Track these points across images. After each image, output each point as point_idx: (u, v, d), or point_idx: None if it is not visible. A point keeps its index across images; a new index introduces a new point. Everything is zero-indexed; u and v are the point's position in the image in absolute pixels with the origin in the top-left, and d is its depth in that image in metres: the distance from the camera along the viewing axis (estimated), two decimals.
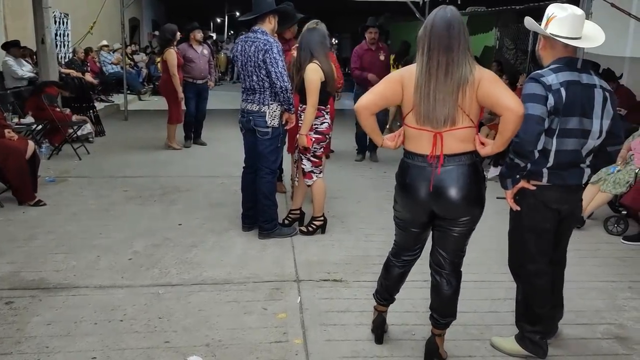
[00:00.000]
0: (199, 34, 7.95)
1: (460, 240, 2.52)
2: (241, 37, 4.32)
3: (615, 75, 6.39)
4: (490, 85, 2.27)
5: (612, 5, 5.35)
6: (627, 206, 4.56)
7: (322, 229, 4.47)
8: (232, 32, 36.33)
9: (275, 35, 4.33)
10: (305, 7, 5.70)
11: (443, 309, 2.59)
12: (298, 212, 4.62)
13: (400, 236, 2.71)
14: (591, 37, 2.52)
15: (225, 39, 28.45)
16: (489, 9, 10.91)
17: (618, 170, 4.67)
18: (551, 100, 2.39)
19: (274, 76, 3.98)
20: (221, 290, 3.42)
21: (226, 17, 35.41)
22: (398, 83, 2.41)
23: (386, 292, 2.78)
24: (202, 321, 3.03)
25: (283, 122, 4.23)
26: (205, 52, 7.98)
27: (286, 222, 4.57)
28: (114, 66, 13.31)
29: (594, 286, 3.59)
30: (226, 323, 3.02)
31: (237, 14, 34.58)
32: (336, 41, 26.53)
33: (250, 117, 4.17)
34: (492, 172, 6.01)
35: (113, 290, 3.39)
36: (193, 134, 8.07)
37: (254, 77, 4.09)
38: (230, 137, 8.63)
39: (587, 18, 5.50)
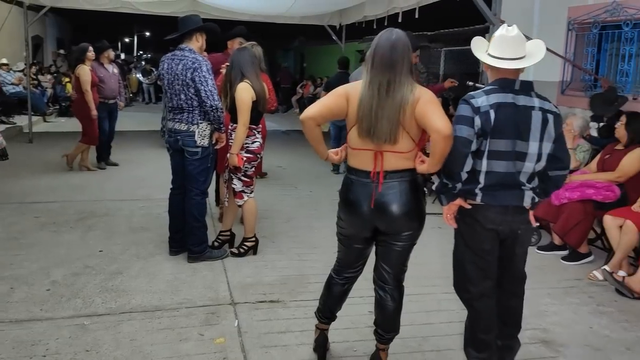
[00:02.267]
0: (111, 53, 7.74)
1: (402, 254, 2.57)
2: (167, 55, 4.20)
3: None
4: (424, 106, 2.34)
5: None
6: (540, 218, 4.88)
7: (254, 249, 4.39)
8: (141, 52, 35.35)
9: (205, 53, 4.25)
10: (223, 30, 5.71)
11: (387, 324, 2.62)
12: (228, 233, 4.51)
13: (343, 253, 2.71)
14: (531, 55, 2.50)
15: (134, 59, 27.59)
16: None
17: None
18: (478, 122, 2.39)
19: (203, 95, 3.90)
20: (153, 317, 3.25)
21: (135, 37, 34.44)
22: (344, 97, 2.44)
23: (328, 310, 2.78)
24: (135, 351, 2.85)
25: (213, 142, 4.14)
26: (116, 71, 7.79)
27: (216, 244, 4.45)
28: (15, 86, 12.45)
29: None
30: (161, 352, 2.86)
31: (147, 34, 33.86)
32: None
33: (179, 137, 4.05)
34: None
35: (31, 324, 3.11)
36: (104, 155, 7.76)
37: (182, 96, 3.98)
38: (147, 159, 8.36)
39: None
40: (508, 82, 2.48)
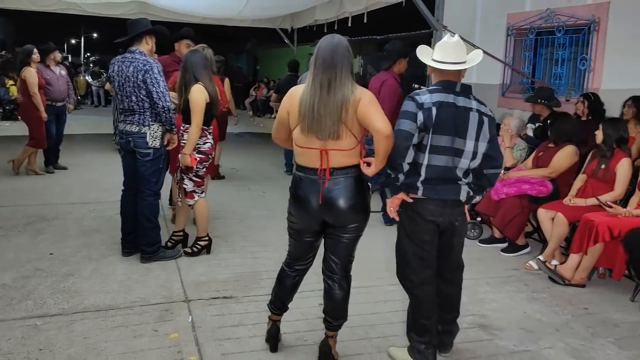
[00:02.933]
0: (58, 55, 7.63)
1: (349, 246, 2.73)
2: (117, 57, 4.23)
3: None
4: (366, 107, 2.50)
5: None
6: (481, 213, 5.16)
7: (207, 249, 4.46)
8: (88, 54, 34.45)
9: (155, 55, 4.30)
10: (172, 33, 5.75)
11: (336, 311, 2.77)
12: (181, 233, 4.56)
13: (293, 246, 2.85)
14: (463, 61, 2.72)
15: (82, 61, 26.91)
16: (352, 38, 11.69)
17: None
18: (420, 117, 2.58)
19: (155, 96, 3.95)
20: (106, 316, 3.29)
21: (82, 39, 33.52)
22: (287, 102, 2.62)
23: (280, 301, 2.90)
24: (89, 349, 2.89)
25: (165, 143, 4.20)
26: (63, 73, 7.67)
27: (169, 244, 4.49)
28: None
29: None
30: (116, 348, 2.92)
31: (95, 35, 33.02)
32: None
33: (130, 139, 4.08)
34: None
35: None
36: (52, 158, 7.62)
37: (133, 98, 4.02)
38: (97, 163, 8.26)
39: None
40: (450, 84, 2.69)
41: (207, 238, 4.46)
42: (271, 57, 22.68)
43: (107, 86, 9.63)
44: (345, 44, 2.56)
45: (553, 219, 4.39)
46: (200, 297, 3.64)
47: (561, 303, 3.81)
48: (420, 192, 2.68)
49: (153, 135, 4.07)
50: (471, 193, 2.76)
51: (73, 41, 35.24)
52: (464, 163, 2.68)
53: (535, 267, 4.39)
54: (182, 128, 4.26)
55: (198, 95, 4.04)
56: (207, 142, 4.27)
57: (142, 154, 4.09)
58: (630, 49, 5.60)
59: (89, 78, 18.91)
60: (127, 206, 4.30)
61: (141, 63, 3.98)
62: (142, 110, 4.04)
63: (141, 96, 4.00)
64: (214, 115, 4.31)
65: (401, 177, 2.65)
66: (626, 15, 5.64)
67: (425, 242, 2.75)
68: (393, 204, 2.77)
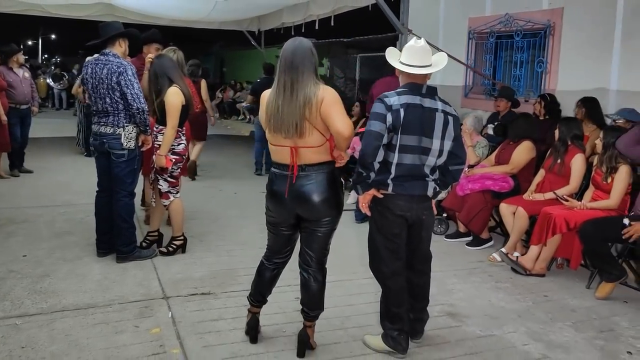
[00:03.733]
0: (21, 57, 7.55)
1: (324, 239, 2.86)
2: (90, 59, 4.26)
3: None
4: (328, 107, 2.63)
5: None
6: (447, 208, 5.39)
7: (183, 248, 4.53)
8: (46, 55, 33.58)
9: (128, 58, 4.35)
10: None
11: (312, 302, 2.90)
12: (156, 233, 4.62)
13: (272, 240, 2.97)
14: (430, 65, 2.89)
15: (42, 64, 26.26)
16: (320, 41, 11.85)
17: None
18: (389, 119, 2.74)
19: (130, 98, 4.01)
20: (86, 314, 3.33)
21: (40, 40, 32.70)
22: (262, 103, 2.77)
23: (259, 294, 3.02)
24: (72, 345, 2.95)
25: (139, 144, 4.25)
26: (27, 75, 7.58)
27: (144, 244, 4.54)
28: None
29: None
30: (98, 344, 2.98)
31: (53, 36, 32.23)
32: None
33: (104, 140, 4.12)
34: (352, 196, 6.58)
35: None
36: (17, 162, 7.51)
37: (107, 100, 4.07)
38: (62, 165, 8.19)
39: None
40: (417, 86, 2.86)
41: (182, 237, 4.53)
42: (238, 59, 22.65)
43: (74, 89, 9.47)
44: (307, 46, 2.69)
45: (514, 213, 4.64)
46: (179, 294, 3.71)
47: (523, 291, 4.04)
48: (390, 189, 2.85)
49: (128, 136, 4.12)
50: (437, 189, 2.95)
51: (30, 42, 34.33)
52: (431, 160, 2.85)
53: (499, 259, 4.62)
54: (155, 129, 4.32)
55: (174, 97, 4.11)
56: (181, 144, 4.35)
57: (116, 155, 4.13)
58: (582, 53, 5.93)
59: (50, 81, 18.50)
60: (102, 207, 4.33)
61: (115, 65, 4.03)
62: (117, 112, 4.09)
63: (115, 98, 4.05)
64: (188, 116, 4.38)
65: (372, 175, 2.80)
66: (578, 21, 5.98)
67: (395, 236, 2.92)
68: (365, 200, 2.93)
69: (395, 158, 2.80)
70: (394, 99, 2.79)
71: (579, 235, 4.04)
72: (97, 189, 4.36)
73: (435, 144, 2.83)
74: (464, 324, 3.47)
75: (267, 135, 2.79)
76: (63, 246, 4.58)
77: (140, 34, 4.90)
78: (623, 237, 3.77)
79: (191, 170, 7.30)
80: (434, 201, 3.08)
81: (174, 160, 4.26)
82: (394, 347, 3.00)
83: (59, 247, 4.54)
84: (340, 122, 2.60)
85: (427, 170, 2.87)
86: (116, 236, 4.25)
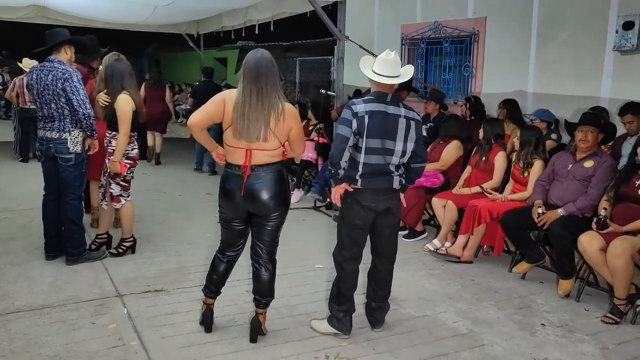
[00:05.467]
0: None
1: (273, 232, 3.12)
2: (35, 65, 4.31)
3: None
4: (290, 123, 2.98)
5: (360, 46, 6.67)
6: None
7: (132, 249, 4.65)
8: None
9: (74, 64, 4.42)
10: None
11: (263, 290, 3.15)
12: (105, 236, 4.70)
13: (225, 235, 3.20)
14: (403, 74, 3.19)
15: None
16: (259, 44, 12.07)
17: None
18: (355, 124, 3.06)
19: (75, 104, 4.09)
20: (42, 314, 3.43)
21: None
22: (222, 103, 2.96)
23: (214, 285, 3.23)
24: (31, 343, 3.05)
25: (86, 148, 4.33)
26: None
27: (93, 247, 4.62)
28: None
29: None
30: (57, 340, 3.09)
31: None
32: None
33: (51, 145, 4.19)
34: (296, 195, 6.84)
35: None
36: None
37: (53, 105, 4.14)
38: None
39: (341, 58, 6.63)
40: (383, 94, 3.18)
41: (132, 239, 4.65)
42: (175, 61, 22.35)
43: (7, 94, 9.20)
44: (268, 58, 2.96)
45: (444, 206, 5.06)
46: (132, 291, 3.85)
47: (453, 277, 4.45)
48: (359, 184, 3.17)
49: (74, 140, 4.20)
50: (403, 182, 3.29)
51: None
52: (395, 160, 3.19)
53: (432, 249, 5.03)
54: (108, 135, 4.41)
55: (125, 104, 4.23)
56: (134, 149, 4.46)
57: (64, 159, 4.20)
58: (503, 58, 6.50)
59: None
60: (49, 210, 4.38)
61: (60, 72, 4.11)
62: (62, 117, 4.16)
63: (61, 103, 4.13)
64: (140, 122, 4.50)
65: (341, 172, 3.13)
66: (499, 29, 6.53)
67: (358, 227, 3.25)
68: (337, 192, 3.24)
69: (362, 158, 3.12)
70: (360, 107, 3.10)
71: (500, 224, 4.49)
72: (44, 192, 4.41)
73: (398, 145, 3.15)
74: (400, 307, 3.81)
75: (225, 135, 2.99)
76: (9, 251, 4.58)
77: (86, 41, 4.93)
78: (538, 224, 4.24)
79: (157, 159, 9.15)
80: (402, 195, 3.38)
81: (128, 165, 4.37)
82: (339, 327, 3.30)
83: (4, 253, 4.54)
84: (301, 148, 3.12)
85: (392, 168, 3.20)
86: (66, 239, 4.32)
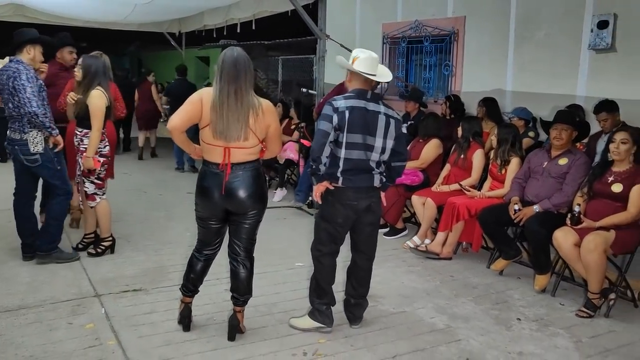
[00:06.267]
0: None
1: (250, 230, 3.13)
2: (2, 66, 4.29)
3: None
4: (269, 119, 2.98)
5: (341, 45, 6.68)
6: None
7: (111, 249, 4.62)
8: None
9: (44, 65, 4.43)
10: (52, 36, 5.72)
11: (241, 288, 3.16)
12: (92, 235, 4.67)
13: (202, 233, 3.19)
14: (384, 74, 3.28)
15: None
16: (241, 43, 12.01)
17: None
18: (335, 119, 3.09)
19: (21, 102, 4.03)
20: (18, 315, 3.40)
21: None
22: (199, 103, 2.94)
23: (192, 284, 3.23)
24: (7, 343, 3.03)
25: (50, 146, 4.23)
26: None
27: (80, 246, 4.60)
28: None
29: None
30: (34, 341, 3.07)
31: None
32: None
33: (15, 146, 4.16)
34: (278, 194, 6.84)
35: None
36: None
37: (10, 105, 4.11)
38: None
39: (322, 57, 6.64)
40: (363, 92, 3.22)
41: (110, 238, 4.62)
42: (157, 60, 22.15)
43: None
44: (245, 57, 2.96)
45: (424, 203, 5.11)
46: (110, 291, 3.84)
47: (432, 273, 4.50)
48: (340, 182, 3.19)
49: (33, 141, 4.13)
50: (384, 180, 3.32)
51: None
52: (375, 156, 3.21)
53: (412, 246, 5.07)
54: (79, 133, 4.37)
55: (98, 100, 4.21)
56: (106, 145, 4.44)
57: (29, 160, 4.16)
58: (482, 57, 6.56)
59: None
60: (21, 210, 4.36)
61: (12, 70, 4.08)
62: (20, 117, 4.11)
63: (16, 102, 4.08)
64: (111, 119, 4.48)
65: (322, 167, 3.15)
66: (478, 28, 6.60)
67: (338, 224, 3.28)
68: (318, 190, 3.25)
69: (342, 153, 3.15)
70: (340, 102, 3.13)
71: (478, 220, 4.54)
72: (14, 191, 4.38)
73: (378, 142, 3.19)
74: (379, 303, 3.84)
75: (203, 134, 2.98)
76: None
77: (51, 40, 4.88)
78: (515, 221, 4.30)
79: (153, 152, 9.87)
80: (383, 193, 3.40)
81: (101, 161, 4.34)
82: (322, 320, 3.33)
83: None
84: (278, 147, 3.12)
85: (372, 165, 3.23)
86: (41, 233, 4.31)
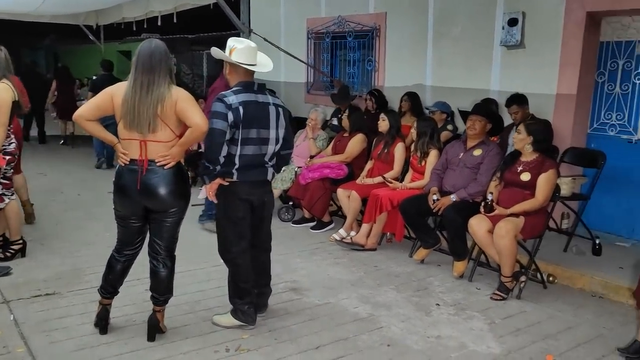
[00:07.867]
0: None
1: (172, 228, 3.04)
2: None
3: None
4: (183, 104, 2.85)
5: (265, 40, 6.66)
6: (293, 197, 5.80)
7: (22, 252, 4.36)
8: None
9: None
10: None
11: (161, 288, 3.07)
12: (1, 238, 4.39)
13: (121, 233, 3.08)
14: (264, 63, 3.23)
15: None
16: (164, 37, 11.68)
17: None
18: (231, 117, 3.01)
19: None
20: None
21: None
22: (109, 96, 2.85)
23: (110, 286, 3.10)
24: None
25: None
26: None
27: (8, 254, 4.29)
28: None
29: (275, 258, 4.55)
30: None
31: None
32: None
33: None
34: (203, 192, 6.65)
35: None
36: None
37: None
38: None
39: None
40: (249, 84, 3.16)
41: (21, 241, 4.36)
42: (75, 55, 21.11)
43: None
44: (162, 49, 2.87)
45: (349, 196, 5.18)
46: (20, 297, 3.62)
47: (357, 264, 4.58)
48: (235, 177, 3.13)
49: None
50: (275, 173, 3.33)
51: None
52: (270, 149, 3.20)
53: (338, 238, 5.14)
54: None
55: (4, 94, 3.95)
56: (12, 143, 4.18)
57: None
58: (403, 52, 6.73)
59: None
60: None
61: None
62: None
63: None
64: (18, 115, 4.22)
65: (218, 168, 3.06)
66: (399, 25, 6.76)
67: (240, 219, 3.21)
68: (212, 189, 3.16)
69: (238, 150, 3.08)
70: (232, 98, 3.05)
71: (399, 211, 4.67)
72: None
73: (272, 133, 3.19)
74: (304, 296, 3.87)
75: (119, 129, 2.88)
76: None
77: None
78: (433, 210, 4.45)
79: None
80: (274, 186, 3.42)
81: (7, 159, 4.09)
82: (245, 320, 3.29)
83: None
84: (198, 116, 2.82)
85: (266, 159, 3.21)
86: None
